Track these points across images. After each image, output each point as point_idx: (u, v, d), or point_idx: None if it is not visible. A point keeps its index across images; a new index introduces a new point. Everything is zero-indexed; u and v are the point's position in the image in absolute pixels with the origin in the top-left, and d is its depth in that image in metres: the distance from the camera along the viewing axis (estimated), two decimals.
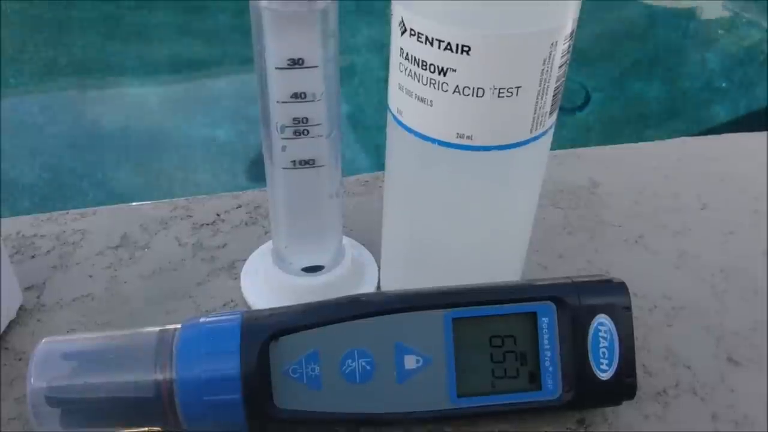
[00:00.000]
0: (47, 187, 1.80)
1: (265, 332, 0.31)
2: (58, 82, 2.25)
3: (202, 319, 0.33)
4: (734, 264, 0.44)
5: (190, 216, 0.47)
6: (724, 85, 2.18)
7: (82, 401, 0.31)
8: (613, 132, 2.02)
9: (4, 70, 2.13)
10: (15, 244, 0.45)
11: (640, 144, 0.55)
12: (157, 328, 0.33)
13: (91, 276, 0.43)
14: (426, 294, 0.32)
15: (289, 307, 0.33)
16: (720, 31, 2.47)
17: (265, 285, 0.40)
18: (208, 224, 0.46)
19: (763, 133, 0.56)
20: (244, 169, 1.91)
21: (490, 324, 0.32)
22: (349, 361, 0.31)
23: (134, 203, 0.48)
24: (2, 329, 0.39)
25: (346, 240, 0.42)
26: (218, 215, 0.47)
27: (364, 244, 0.44)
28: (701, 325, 0.40)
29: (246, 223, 0.46)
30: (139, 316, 0.40)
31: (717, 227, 0.47)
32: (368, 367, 0.31)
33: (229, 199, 0.48)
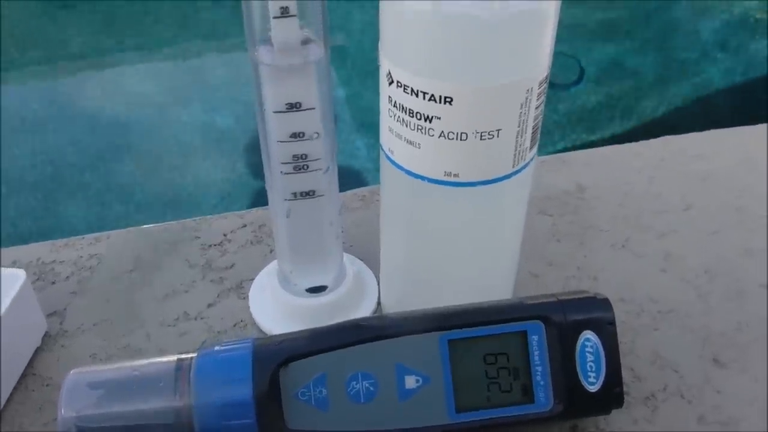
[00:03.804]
0: (48, 179, 1.83)
1: (275, 359, 0.34)
2: (56, 72, 2.28)
3: (216, 347, 0.35)
4: (718, 264, 0.46)
5: (198, 237, 0.49)
6: (718, 56, 2.18)
7: (110, 429, 0.34)
8: (608, 106, 2.03)
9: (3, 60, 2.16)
10: (36, 270, 0.47)
11: (625, 145, 0.58)
12: (175, 357, 0.35)
13: (108, 300, 0.45)
14: (423, 317, 0.35)
15: (296, 333, 0.35)
16: None
17: (273, 305, 0.43)
18: (215, 245, 0.49)
19: (743, 128, 0.58)
20: (242, 154, 1.93)
21: (483, 343, 0.34)
22: (354, 383, 0.34)
23: (145, 226, 0.51)
24: (29, 357, 0.41)
25: (346, 257, 0.44)
26: (225, 235, 0.49)
27: (363, 259, 0.46)
28: (687, 327, 0.42)
29: (251, 243, 0.49)
30: (155, 339, 0.42)
31: (701, 227, 0.49)
32: (372, 388, 0.34)
33: (234, 218, 0.51)
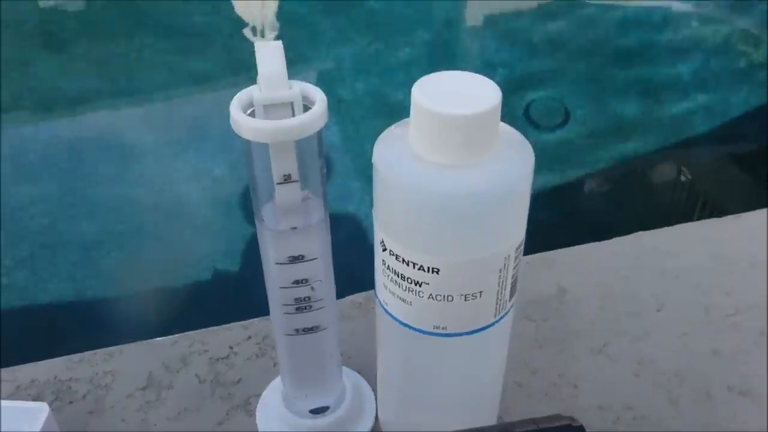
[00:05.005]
0: (44, 228, 1.86)
1: None
2: (50, 120, 2.31)
3: None
4: (687, 366, 0.50)
5: (206, 350, 0.53)
6: (699, 96, 2.24)
7: None
8: (594, 148, 2.08)
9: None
10: (53, 389, 0.51)
11: (602, 243, 0.61)
12: None
13: (123, 420, 0.48)
14: None
15: None
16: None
17: (278, 425, 0.46)
18: (222, 358, 0.52)
19: (710, 221, 0.63)
20: (238, 201, 1.96)
21: None
22: None
23: (156, 338, 0.54)
24: None
25: (345, 371, 0.48)
26: (231, 348, 0.53)
27: (360, 370, 0.50)
28: None
29: (257, 356, 0.52)
30: None
31: (672, 329, 0.53)
32: None
33: (239, 329, 0.54)
